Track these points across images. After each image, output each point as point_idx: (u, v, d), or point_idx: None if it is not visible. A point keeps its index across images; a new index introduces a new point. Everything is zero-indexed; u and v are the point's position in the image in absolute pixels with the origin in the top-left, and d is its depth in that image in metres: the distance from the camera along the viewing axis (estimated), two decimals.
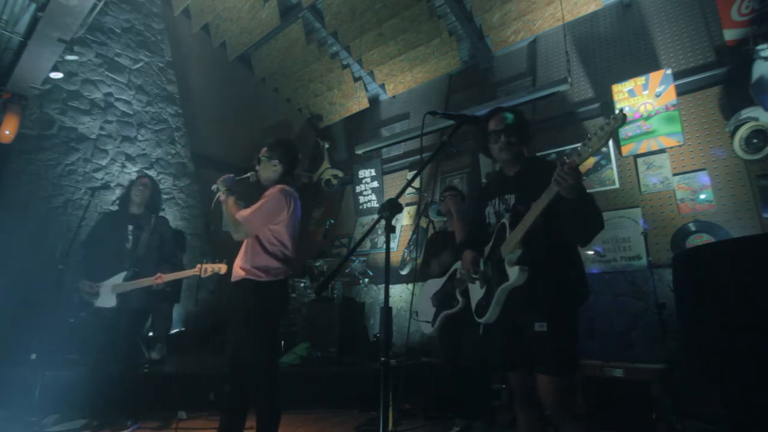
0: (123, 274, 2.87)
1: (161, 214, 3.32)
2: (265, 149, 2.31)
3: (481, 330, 1.79)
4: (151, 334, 4.73)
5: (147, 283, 2.83)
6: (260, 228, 2.15)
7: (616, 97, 4.56)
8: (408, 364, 3.91)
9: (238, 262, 2.19)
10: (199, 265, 2.70)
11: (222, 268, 2.69)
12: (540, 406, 1.62)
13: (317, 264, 5.48)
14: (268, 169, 2.28)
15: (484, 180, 5.52)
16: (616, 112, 1.50)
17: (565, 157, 1.43)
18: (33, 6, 3.64)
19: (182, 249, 4.92)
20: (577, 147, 1.42)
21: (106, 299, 2.84)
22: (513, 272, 1.59)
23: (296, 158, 2.36)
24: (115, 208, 3.18)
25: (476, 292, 1.80)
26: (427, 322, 3.01)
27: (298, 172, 7.41)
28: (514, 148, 1.75)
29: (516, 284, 1.59)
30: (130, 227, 3.01)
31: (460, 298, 2.84)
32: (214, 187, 2.24)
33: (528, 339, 1.57)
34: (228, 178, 2.24)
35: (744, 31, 3.93)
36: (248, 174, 2.31)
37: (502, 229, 1.68)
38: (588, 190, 1.56)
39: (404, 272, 5.78)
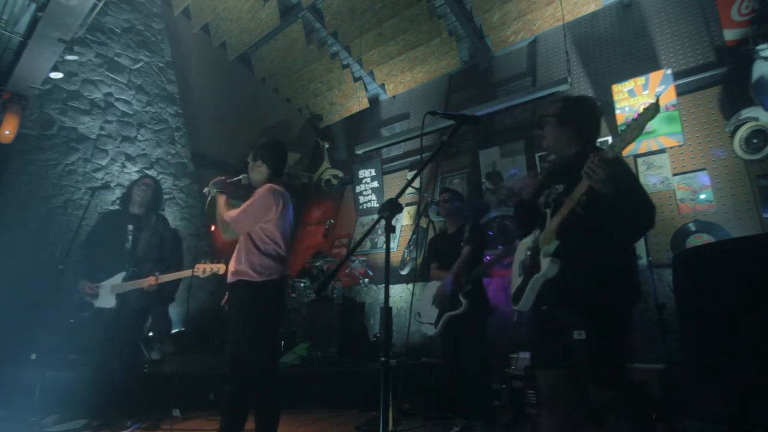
0: (122, 275, 2.87)
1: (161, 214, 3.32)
2: (252, 151, 2.34)
3: (516, 317, 1.77)
4: (150, 334, 4.73)
5: (143, 284, 2.82)
6: (248, 227, 2.16)
7: (616, 97, 4.55)
8: (408, 364, 3.91)
9: (232, 263, 2.20)
10: (197, 265, 2.71)
11: (221, 268, 2.69)
12: (565, 408, 1.56)
13: (317, 264, 5.48)
14: (255, 170, 2.32)
15: (484, 180, 5.52)
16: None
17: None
18: (33, 6, 3.63)
19: (179, 250, 4.86)
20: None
21: (106, 300, 2.84)
22: (545, 263, 1.56)
23: (281, 158, 2.37)
24: (115, 207, 3.18)
25: (516, 279, 1.78)
26: (430, 323, 3.02)
27: (297, 172, 7.42)
28: (543, 141, 1.77)
29: (547, 276, 1.54)
30: (130, 227, 3.01)
31: (463, 300, 2.85)
32: (206, 190, 2.27)
33: (563, 341, 1.52)
34: (219, 180, 2.27)
35: (744, 31, 3.93)
36: (240, 176, 2.34)
37: (544, 218, 1.65)
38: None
39: (404, 272, 5.78)
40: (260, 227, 2.17)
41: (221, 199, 2.22)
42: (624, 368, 1.53)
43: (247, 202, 2.17)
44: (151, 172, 5.41)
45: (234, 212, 2.15)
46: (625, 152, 4.43)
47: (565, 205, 1.51)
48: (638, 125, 1.32)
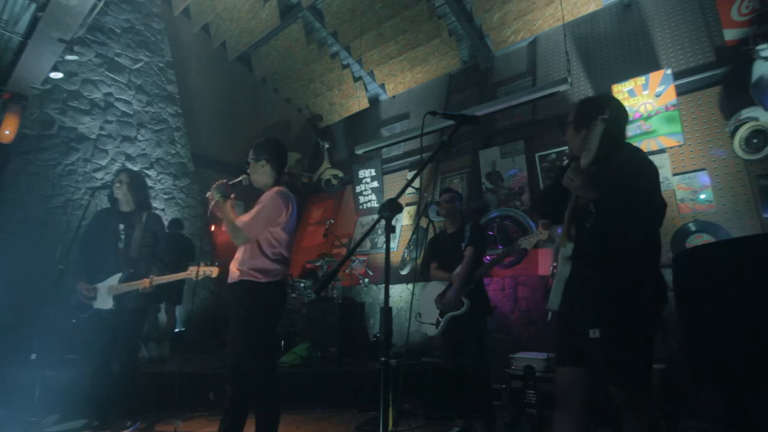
0: (118, 276, 2.85)
1: (157, 212, 3.29)
2: (251, 151, 2.30)
3: (549, 317, 1.78)
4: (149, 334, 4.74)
5: (139, 286, 2.79)
6: (260, 232, 2.14)
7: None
8: (408, 364, 3.91)
9: (235, 263, 2.18)
10: (190, 268, 2.70)
11: (214, 271, 2.68)
12: (578, 407, 1.56)
13: (317, 263, 5.49)
14: (258, 170, 2.28)
15: (484, 180, 5.52)
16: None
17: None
18: (33, 6, 3.64)
19: (189, 256, 4.86)
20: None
21: (104, 301, 2.82)
22: (560, 263, 1.61)
23: (283, 156, 2.36)
24: (106, 206, 3.15)
25: (551, 280, 1.80)
26: (431, 324, 3.02)
27: (297, 172, 7.42)
28: (569, 148, 1.78)
29: (562, 275, 1.58)
30: (122, 226, 2.96)
31: (464, 300, 2.85)
32: (208, 194, 2.22)
33: (579, 340, 1.53)
34: (221, 184, 2.21)
35: (744, 31, 3.93)
36: (240, 178, 2.30)
37: (556, 197, 1.69)
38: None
39: (404, 272, 5.78)
40: (269, 230, 2.16)
41: (228, 204, 2.17)
42: (642, 369, 1.47)
43: (258, 207, 2.14)
44: (151, 172, 5.41)
45: (246, 218, 2.11)
46: None
47: (568, 208, 1.56)
48: (595, 136, 1.42)
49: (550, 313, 1.73)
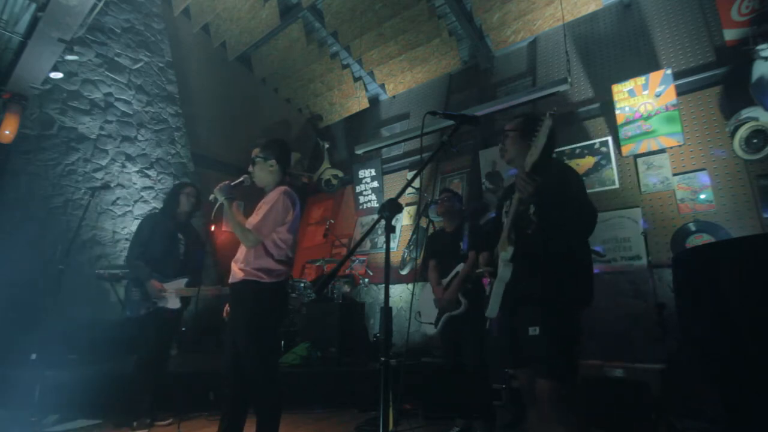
0: (184, 280, 3.05)
1: (157, 212, 3.47)
2: (258, 150, 2.26)
3: (488, 324, 1.86)
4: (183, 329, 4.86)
5: (211, 292, 3.11)
6: (270, 233, 2.13)
7: (616, 97, 4.55)
8: (408, 364, 3.90)
9: (237, 263, 2.16)
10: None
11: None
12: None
13: (318, 263, 5.49)
14: (265, 170, 2.24)
15: (484, 180, 5.52)
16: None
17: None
18: (33, 6, 3.63)
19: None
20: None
21: (173, 301, 3.01)
22: (500, 267, 1.69)
23: (289, 157, 2.37)
24: (156, 211, 3.35)
25: (487, 288, 1.89)
26: (430, 323, 3.02)
27: (297, 172, 7.42)
28: (505, 154, 1.91)
29: (503, 279, 1.67)
30: (180, 236, 3.18)
31: (462, 300, 2.85)
32: (211, 197, 2.18)
33: (526, 340, 1.61)
34: (225, 186, 2.17)
35: (744, 31, 3.93)
36: (242, 178, 2.25)
37: (502, 227, 1.78)
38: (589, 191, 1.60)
39: (404, 272, 5.78)
40: (274, 231, 2.16)
41: (234, 207, 2.13)
42: (573, 366, 1.61)
43: (267, 208, 2.12)
44: (151, 172, 5.41)
45: (255, 220, 2.09)
46: (625, 152, 4.44)
47: (511, 213, 1.65)
48: (544, 131, 1.49)
49: (488, 321, 1.81)
